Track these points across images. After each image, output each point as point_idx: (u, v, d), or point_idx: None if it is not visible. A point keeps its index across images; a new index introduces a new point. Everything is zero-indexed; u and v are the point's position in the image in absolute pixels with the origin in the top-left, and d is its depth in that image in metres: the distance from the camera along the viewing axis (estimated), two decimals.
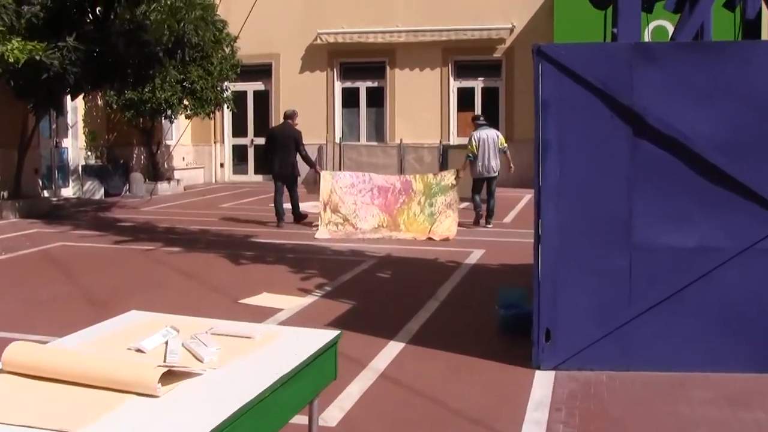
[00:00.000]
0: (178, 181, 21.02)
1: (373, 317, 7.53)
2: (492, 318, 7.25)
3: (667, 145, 5.65)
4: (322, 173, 13.75)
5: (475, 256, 10.88)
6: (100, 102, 19.34)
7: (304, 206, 14.45)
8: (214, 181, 23.90)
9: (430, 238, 12.52)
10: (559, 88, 5.76)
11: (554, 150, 5.83)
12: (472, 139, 13.98)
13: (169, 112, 18.98)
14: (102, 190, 18.73)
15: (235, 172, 24.39)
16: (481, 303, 8.09)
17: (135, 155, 20.63)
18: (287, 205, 14.12)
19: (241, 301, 8.11)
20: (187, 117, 19.75)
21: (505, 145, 14.46)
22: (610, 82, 5.67)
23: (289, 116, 14.29)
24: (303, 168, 14.53)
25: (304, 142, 14.15)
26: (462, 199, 13.94)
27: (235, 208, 17.01)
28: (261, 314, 7.54)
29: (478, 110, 22.24)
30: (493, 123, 21.27)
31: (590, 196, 5.84)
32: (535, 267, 6.07)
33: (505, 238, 12.66)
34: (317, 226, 13.10)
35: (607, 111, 5.72)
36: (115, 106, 18.79)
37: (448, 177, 13.29)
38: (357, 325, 7.14)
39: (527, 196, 18.71)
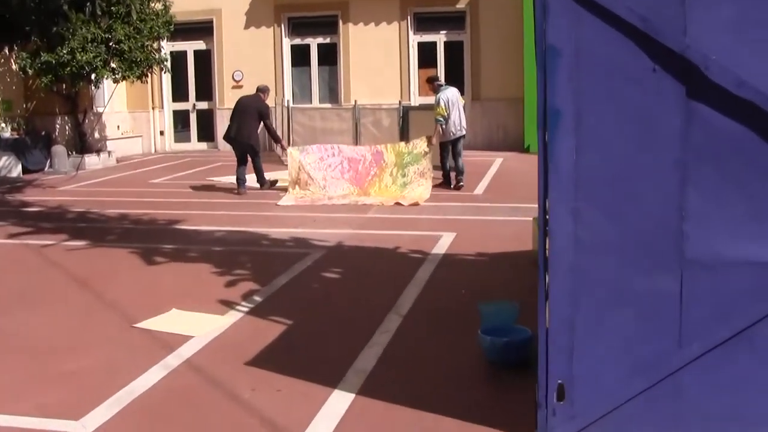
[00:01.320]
0: (110, 152, 18.83)
1: (311, 349, 5.61)
2: (473, 343, 5.37)
3: (738, 112, 3.75)
4: (289, 150, 13.29)
5: (444, 243, 8.98)
6: (14, 66, 17.03)
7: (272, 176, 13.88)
8: (153, 150, 21.72)
9: (398, 203, 11.79)
10: (575, 30, 3.84)
11: (568, 124, 3.92)
12: (440, 101, 13.12)
13: (93, 77, 16.75)
14: (19, 167, 16.53)
15: (177, 140, 22.22)
16: (457, 316, 6.20)
17: (59, 126, 18.36)
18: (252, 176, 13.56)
19: (139, 325, 6.14)
20: (115, 81, 17.54)
21: (463, 101, 13.82)
22: (653, 18, 3.74)
23: (261, 90, 14.01)
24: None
25: None
26: (435, 168, 13.05)
27: (169, 183, 14.93)
28: (159, 346, 5.60)
29: (441, 67, 20.38)
30: (457, 81, 19.42)
31: (622, 192, 3.94)
32: (541, 295, 4.17)
33: (478, 216, 10.78)
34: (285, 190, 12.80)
35: (647, 61, 3.80)
36: (30, 71, 16.48)
37: (420, 145, 12.78)
38: (288, 364, 5.22)
39: (497, 161, 16.96)
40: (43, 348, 5.70)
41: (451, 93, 13.29)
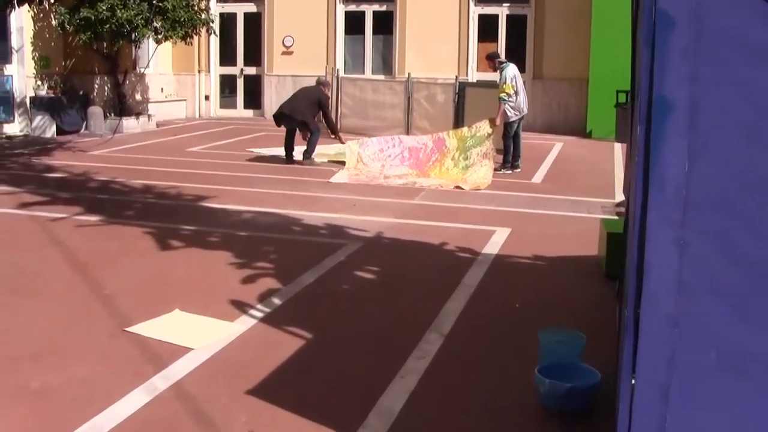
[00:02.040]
0: (150, 116, 17.99)
1: (329, 375, 4.60)
2: (528, 377, 4.35)
3: None
4: (348, 143, 12.58)
5: (497, 240, 7.92)
6: (53, 22, 16.21)
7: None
8: (197, 116, 20.88)
9: (458, 187, 10.91)
10: None
11: (681, 122, 2.85)
12: (507, 78, 12.14)
13: (133, 36, 15.87)
14: (53, 127, 15.76)
15: (222, 105, 21.34)
16: (511, 339, 5.17)
17: (97, 86, 17.54)
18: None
19: (132, 329, 5.19)
20: (157, 42, 16.64)
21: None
22: None
23: (321, 83, 13.32)
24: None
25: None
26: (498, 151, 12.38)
27: (207, 152, 14.03)
28: (149, 360, 4.65)
29: (502, 41, 19.15)
30: (518, 57, 18.25)
31: (749, 220, 2.88)
32: (625, 350, 3.11)
33: (535, 209, 9.68)
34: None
35: None
36: (68, 27, 15.64)
37: (483, 127, 11.92)
38: (297, 396, 4.24)
39: (557, 145, 15.79)
40: (15, 353, 4.79)
41: (515, 70, 12.40)
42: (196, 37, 17.86)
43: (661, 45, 2.82)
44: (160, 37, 16.29)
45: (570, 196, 10.52)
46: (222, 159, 13.13)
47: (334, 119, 14.27)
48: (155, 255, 7.11)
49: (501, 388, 4.44)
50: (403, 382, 4.48)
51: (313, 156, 12.65)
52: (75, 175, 11.30)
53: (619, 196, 10.53)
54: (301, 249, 7.45)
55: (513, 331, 5.37)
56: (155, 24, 15.97)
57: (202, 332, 5.14)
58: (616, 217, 8.87)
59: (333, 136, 13.23)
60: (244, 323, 5.36)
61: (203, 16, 17.05)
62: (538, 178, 12.07)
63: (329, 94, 13.82)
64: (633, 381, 2.97)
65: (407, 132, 14.96)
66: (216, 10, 20.71)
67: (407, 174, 11.66)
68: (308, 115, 12.61)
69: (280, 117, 12.78)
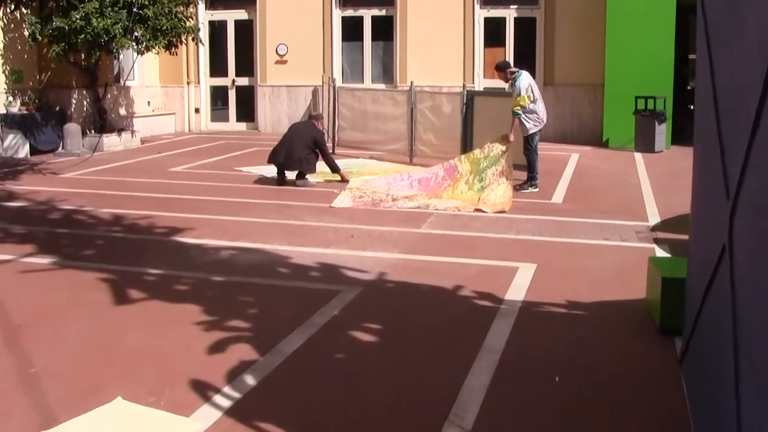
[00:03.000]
0: (133, 132, 16.73)
1: None
2: None
3: None
4: (352, 180, 11.65)
5: (521, 281, 6.63)
6: (25, 32, 14.95)
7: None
8: (187, 130, 19.66)
9: (478, 210, 9.74)
10: None
11: None
12: (522, 89, 10.93)
13: (112, 46, 14.61)
14: (27, 147, 14.50)
15: (213, 119, 20.13)
16: None
17: (75, 101, 16.26)
18: None
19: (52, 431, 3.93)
20: (139, 52, 15.39)
21: None
22: None
23: (314, 117, 12.12)
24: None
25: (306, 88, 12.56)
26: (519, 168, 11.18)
27: (191, 172, 12.78)
28: None
29: (510, 46, 17.93)
30: (528, 63, 17.02)
31: None
32: None
33: (560, 236, 8.41)
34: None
35: None
36: (39, 38, 14.39)
37: (497, 147, 10.74)
38: None
39: (573, 157, 14.56)
40: None
41: (530, 77, 11.23)
42: (183, 47, 16.68)
43: None
44: (141, 47, 15.04)
45: (597, 218, 9.26)
46: (206, 180, 11.87)
47: (331, 148, 13.15)
48: (107, 312, 5.82)
49: None
50: None
51: (307, 176, 11.39)
52: (38, 203, 10.03)
53: (653, 218, 9.28)
54: (286, 299, 6.16)
55: (557, 419, 4.09)
56: (136, 33, 14.73)
57: None
58: (665, 254, 7.64)
59: (338, 174, 11.75)
60: (205, 418, 4.08)
61: (188, 23, 15.79)
62: (558, 196, 10.80)
63: (324, 129, 12.52)
64: None
65: (411, 146, 13.69)
66: (205, 17, 19.53)
67: (417, 195, 10.50)
68: (305, 161, 11.31)
69: (277, 164, 11.56)
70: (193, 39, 16.10)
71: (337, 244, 7.86)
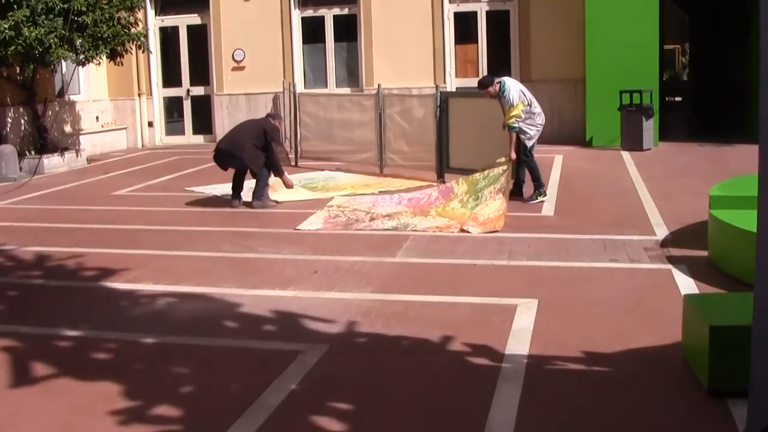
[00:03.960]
0: (78, 151, 15.36)
1: None
2: None
3: None
4: (335, 198, 10.46)
5: (524, 325, 5.39)
6: None
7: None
8: (140, 145, 18.28)
9: (464, 230, 8.40)
10: None
11: None
12: (512, 98, 9.66)
13: (47, 58, 13.24)
14: None
15: (168, 132, 18.77)
16: None
17: (11, 119, 14.82)
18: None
19: None
20: (79, 63, 14.02)
21: None
22: None
23: (271, 115, 10.85)
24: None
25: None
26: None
27: (137, 195, 11.46)
28: None
29: (482, 42, 16.80)
30: (503, 59, 15.93)
31: None
32: None
33: (560, 258, 7.21)
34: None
35: None
36: None
37: (497, 168, 9.49)
38: None
39: (557, 159, 13.45)
40: None
41: (516, 81, 10.16)
42: (131, 57, 15.42)
43: None
44: (80, 57, 13.68)
45: (597, 233, 8.07)
46: (152, 204, 10.57)
47: (287, 152, 11.73)
48: None
49: None
50: None
51: (264, 197, 10.09)
52: None
53: (660, 230, 8.12)
54: (233, 367, 4.88)
55: None
56: (75, 43, 13.38)
57: None
58: (684, 276, 6.48)
59: (281, 179, 10.36)
60: None
61: (133, 30, 14.44)
62: (548, 208, 9.60)
63: (281, 127, 11.12)
64: None
65: (381, 155, 12.44)
66: (155, 24, 18.20)
67: (399, 213, 9.26)
68: (250, 150, 9.91)
69: (219, 156, 10.23)
70: (139, 47, 14.73)
71: (297, 283, 6.59)
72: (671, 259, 7.03)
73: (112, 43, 13.79)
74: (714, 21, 20.01)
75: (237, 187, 10.16)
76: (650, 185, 10.88)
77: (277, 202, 10.24)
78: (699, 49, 22.70)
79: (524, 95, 9.77)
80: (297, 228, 8.74)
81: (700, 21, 21.84)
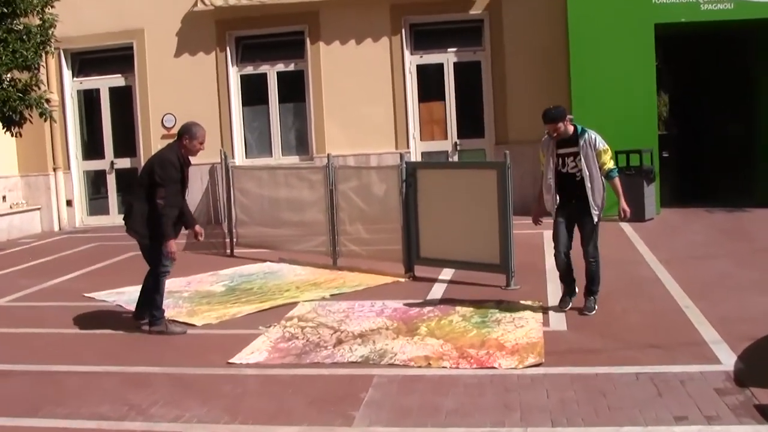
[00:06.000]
0: None
1: None
2: None
3: None
4: (300, 306, 8.01)
5: None
6: None
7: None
8: (57, 228, 15.69)
9: (488, 366, 5.90)
10: None
11: None
12: (598, 139, 7.30)
13: None
14: None
15: (91, 211, 16.20)
16: None
17: None
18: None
19: None
20: None
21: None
22: None
23: (181, 132, 7.33)
24: None
25: None
26: None
27: (15, 308, 8.86)
28: None
29: (450, 98, 14.62)
30: (474, 119, 13.71)
31: None
32: None
33: (605, 423, 4.71)
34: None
35: None
36: None
37: None
38: None
39: (547, 236, 10.94)
40: None
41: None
42: (46, 126, 13.05)
43: None
44: None
45: (638, 362, 5.75)
46: (30, 324, 7.95)
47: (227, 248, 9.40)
48: None
49: None
50: None
51: (161, 319, 7.33)
52: None
53: (721, 351, 5.82)
54: None
55: None
56: None
57: None
58: None
59: (192, 231, 7.55)
60: None
61: (33, 94, 11.95)
62: (559, 318, 7.18)
63: (193, 145, 7.24)
64: None
65: (333, 242, 10.01)
66: (73, 86, 15.76)
67: (377, 332, 6.88)
68: (138, 216, 7.14)
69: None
70: (41, 115, 12.20)
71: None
72: (764, 411, 4.65)
73: (3, 110, 11.27)
74: (704, 70, 18.10)
75: (151, 303, 7.35)
76: (676, 274, 8.62)
77: (188, 324, 7.52)
78: (684, 100, 20.74)
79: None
80: (229, 361, 6.24)
81: (685, 70, 19.91)
